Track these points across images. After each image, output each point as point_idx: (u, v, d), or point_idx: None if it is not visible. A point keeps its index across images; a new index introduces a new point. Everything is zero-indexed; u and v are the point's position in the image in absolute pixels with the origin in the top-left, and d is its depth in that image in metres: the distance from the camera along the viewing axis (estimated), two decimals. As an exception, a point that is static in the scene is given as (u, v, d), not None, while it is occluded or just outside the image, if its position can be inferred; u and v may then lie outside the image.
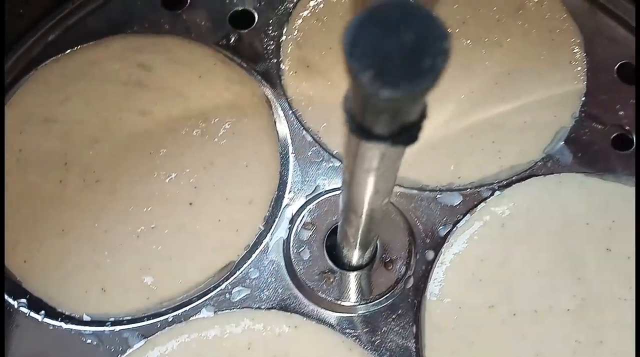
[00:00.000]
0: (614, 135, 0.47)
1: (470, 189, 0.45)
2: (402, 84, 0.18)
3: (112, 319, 0.41)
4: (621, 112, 0.48)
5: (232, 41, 0.51)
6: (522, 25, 0.50)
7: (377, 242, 0.42)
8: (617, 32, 0.52)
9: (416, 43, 0.19)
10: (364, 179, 0.27)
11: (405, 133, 0.22)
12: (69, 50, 0.49)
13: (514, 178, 0.45)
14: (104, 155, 0.45)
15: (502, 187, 0.45)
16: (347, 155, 0.27)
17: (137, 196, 0.44)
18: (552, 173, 0.45)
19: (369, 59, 0.18)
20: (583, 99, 0.48)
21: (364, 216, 0.33)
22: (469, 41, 0.50)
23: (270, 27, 0.51)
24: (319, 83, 0.48)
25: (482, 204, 0.44)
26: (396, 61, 0.18)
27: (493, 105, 0.48)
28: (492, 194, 0.45)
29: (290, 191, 0.45)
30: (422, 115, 0.22)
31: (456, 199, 0.45)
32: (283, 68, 0.49)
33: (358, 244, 0.38)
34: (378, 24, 0.19)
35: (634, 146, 0.47)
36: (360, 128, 0.22)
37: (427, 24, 0.19)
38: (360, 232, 0.35)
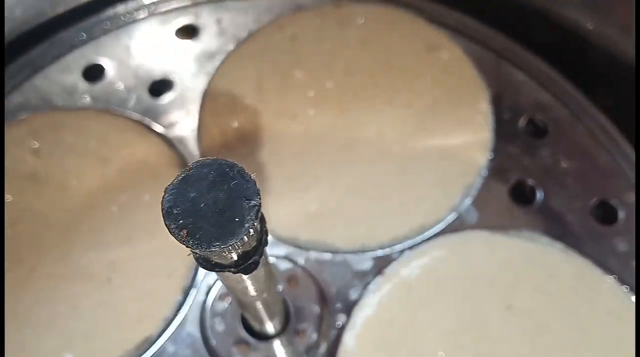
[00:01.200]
0: (519, 192, 0.49)
1: (381, 250, 0.47)
2: (212, 242, 0.20)
3: (33, 399, 0.42)
4: (526, 167, 0.50)
5: (152, 111, 0.52)
6: (430, 85, 0.53)
7: (290, 309, 0.44)
8: (523, 84, 0.54)
9: (228, 201, 0.20)
10: (235, 288, 0.29)
11: (244, 263, 0.24)
12: (-11, 130, 0.50)
13: (422, 238, 0.47)
14: (24, 236, 0.46)
15: (411, 248, 0.47)
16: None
17: (57, 275, 0.45)
18: (459, 231, 0.47)
19: (183, 220, 0.20)
20: (489, 156, 0.50)
21: (255, 306, 0.34)
22: (380, 103, 0.52)
23: (191, 94, 0.53)
24: (237, 152, 0.50)
25: (391, 265, 0.46)
26: (208, 220, 0.20)
27: (403, 166, 0.50)
28: (401, 255, 0.46)
29: (207, 261, 0.46)
30: (261, 243, 0.24)
31: (367, 262, 0.46)
32: (201, 136, 0.51)
33: (263, 320, 0.40)
34: (194, 185, 0.21)
35: (537, 200, 0.49)
36: (205, 261, 0.24)
37: (238, 183, 0.21)
38: (258, 315, 0.37)
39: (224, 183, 0.21)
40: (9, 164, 0.48)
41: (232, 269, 0.24)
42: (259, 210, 0.21)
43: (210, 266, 0.24)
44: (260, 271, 0.28)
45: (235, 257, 0.23)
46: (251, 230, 0.20)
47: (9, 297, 0.45)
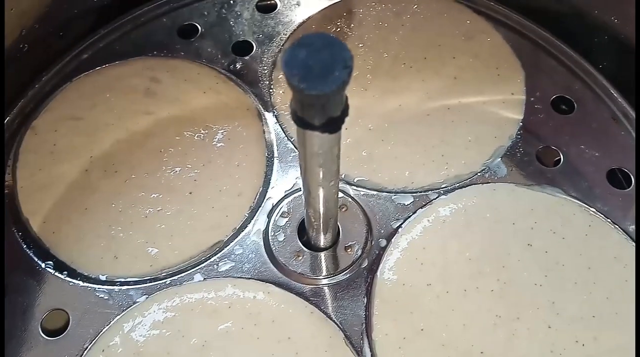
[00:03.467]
0: (544, 155, 0.56)
1: (421, 192, 0.54)
2: (317, 85, 0.28)
3: (121, 280, 0.50)
4: (552, 136, 0.57)
5: (233, 66, 0.62)
6: (472, 62, 0.61)
7: (340, 229, 0.52)
8: (555, 69, 0.62)
9: (330, 61, 0.29)
10: (311, 163, 0.37)
11: (331, 124, 0.32)
12: (98, 67, 0.60)
13: (457, 185, 0.55)
14: (123, 151, 0.55)
15: (447, 192, 0.54)
16: (298, 144, 0.37)
17: (147, 185, 0.54)
18: (489, 182, 0.55)
19: (297, 69, 0.28)
20: (520, 124, 0.58)
21: (320, 198, 0.42)
22: (428, 73, 0.60)
23: (266, 56, 0.62)
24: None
25: (429, 204, 0.54)
26: (316, 71, 0.28)
27: (445, 125, 0.57)
28: (438, 197, 0.54)
29: (272, 187, 0.55)
30: (343, 113, 0.32)
31: (408, 200, 0.54)
32: (273, 89, 0.60)
33: (320, 226, 0.48)
34: (306, 48, 0.29)
35: (560, 164, 0.56)
36: (300, 120, 0.32)
37: (338, 50, 0.29)
38: (319, 213, 0.45)
39: (327, 49, 0.29)
40: (129, 85, 0.58)
41: (320, 129, 0.32)
42: (351, 71, 0.29)
43: (303, 124, 0.32)
44: (335, 147, 0.36)
45: (324, 120, 0.32)
46: (344, 84, 0.29)
47: (104, 200, 0.54)
